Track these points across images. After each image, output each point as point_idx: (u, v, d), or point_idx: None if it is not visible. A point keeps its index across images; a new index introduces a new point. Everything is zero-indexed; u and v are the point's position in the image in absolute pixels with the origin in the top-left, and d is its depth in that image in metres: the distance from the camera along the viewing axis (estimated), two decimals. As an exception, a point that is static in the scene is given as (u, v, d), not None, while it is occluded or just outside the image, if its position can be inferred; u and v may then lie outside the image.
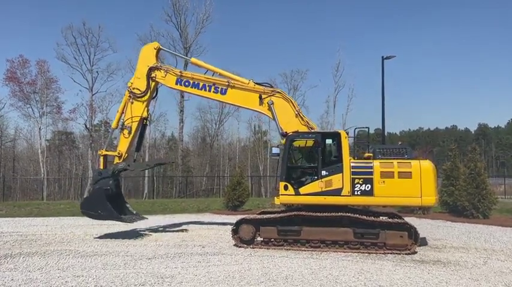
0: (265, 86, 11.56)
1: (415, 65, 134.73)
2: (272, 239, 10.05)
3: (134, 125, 12.10)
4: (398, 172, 9.52)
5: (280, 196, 10.01)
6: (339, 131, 10.37)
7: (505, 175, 44.98)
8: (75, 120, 40.72)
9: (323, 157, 10.13)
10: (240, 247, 10.02)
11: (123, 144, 12.12)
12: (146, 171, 37.23)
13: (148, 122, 13.04)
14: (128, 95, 12.20)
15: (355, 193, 9.65)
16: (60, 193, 41.87)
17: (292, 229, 9.85)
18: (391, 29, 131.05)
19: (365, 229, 9.53)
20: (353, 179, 9.67)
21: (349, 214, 9.59)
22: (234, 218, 11.69)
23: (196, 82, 12.01)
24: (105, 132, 36.81)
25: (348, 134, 10.33)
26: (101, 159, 12.15)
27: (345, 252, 9.47)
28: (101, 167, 12.05)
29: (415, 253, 9.39)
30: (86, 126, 37.91)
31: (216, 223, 15.60)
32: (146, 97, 12.22)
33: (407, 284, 6.81)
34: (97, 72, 36.38)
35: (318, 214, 9.65)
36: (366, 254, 9.28)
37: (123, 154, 12.01)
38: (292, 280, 6.99)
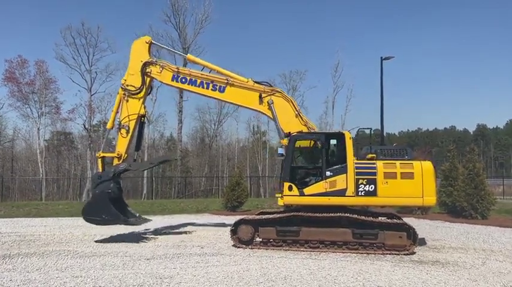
0: (264, 84, 11.42)
1: (414, 66, 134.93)
2: (271, 240, 10.03)
3: (132, 124, 11.63)
4: (401, 173, 9.57)
5: (285, 196, 9.91)
6: (343, 131, 10.34)
7: (503, 176, 45.11)
8: (73, 121, 40.76)
9: (326, 157, 10.11)
10: (238, 247, 10.01)
11: (122, 144, 11.63)
12: (145, 171, 37.28)
13: (146, 120, 12.53)
14: (122, 92, 11.69)
15: (359, 194, 9.64)
16: (59, 194, 41.81)
17: (291, 230, 9.84)
18: (391, 29, 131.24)
19: (364, 230, 9.53)
20: (357, 180, 9.67)
21: (348, 215, 9.59)
22: (232, 219, 11.68)
23: (193, 79, 11.68)
24: (104, 132, 36.87)
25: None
26: (99, 161, 11.65)
27: (343, 252, 9.47)
28: (100, 169, 11.57)
29: (414, 253, 9.40)
30: (84, 126, 37.93)
31: (214, 223, 15.59)
32: (142, 94, 11.74)
33: (406, 284, 6.81)
34: (96, 72, 36.41)
35: (317, 215, 9.65)
36: (365, 255, 9.29)
37: (123, 155, 11.52)
38: (291, 280, 6.99)
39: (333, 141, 10.56)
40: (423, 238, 11.35)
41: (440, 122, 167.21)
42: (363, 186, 9.63)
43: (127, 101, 11.66)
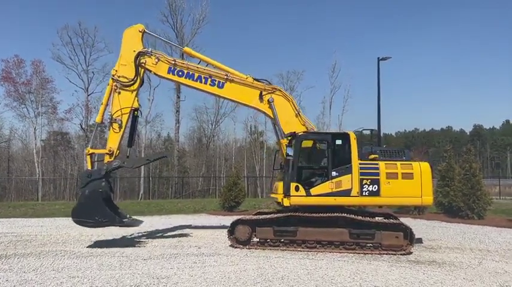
0: (263, 82, 11.21)
1: (411, 66, 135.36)
2: (268, 240, 10.03)
3: (124, 118, 10.77)
4: (402, 173, 9.78)
5: (292, 197, 9.82)
6: (348, 132, 10.35)
7: (499, 176, 45.22)
8: (70, 121, 40.76)
9: (332, 157, 10.11)
10: (236, 247, 10.01)
11: (114, 140, 10.73)
12: (142, 171, 37.23)
13: (140, 113, 11.51)
14: (114, 84, 10.80)
15: (363, 194, 9.74)
16: (56, 194, 41.64)
17: (288, 230, 9.85)
18: (389, 29, 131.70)
19: (361, 230, 9.55)
20: (361, 180, 9.76)
21: (345, 215, 9.61)
22: (230, 219, 11.65)
23: (191, 73, 11.08)
24: (100, 132, 36.95)
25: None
26: (88, 158, 10.75)
27: (340, 252, 9.49)
28: (89, 167, 10.64)
29: (411, 253, 9.43)
30: (81, 126, 37.95)
31: (212, 223, 15.59)
32: (136, 86, 10.94)
33: (403, 284, 6.83)
34: (93, 72, 36.46)
35: (314, 215, 9.66)
36: (362, 255, 9.31)
37: (115, 151, 10.65)
38: (288, 280, 7.00)
39: (338, 142, 10.56)
40: (420, 238, 11.37)
41: (437, 123, 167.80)
42: (366, 186, 9.74)
43: (119, 93, 10.82)
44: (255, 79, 11.18)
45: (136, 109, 11.13)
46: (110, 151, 10.65)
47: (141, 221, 11.29)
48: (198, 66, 11.43)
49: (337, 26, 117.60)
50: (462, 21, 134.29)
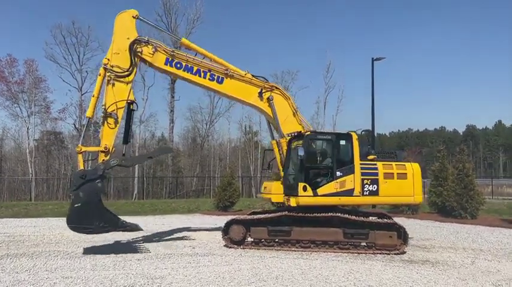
0: (261, 79, 11.04)
1: (404, 66, 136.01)
2: (262, 240, 10.04)
3: (120, 112, 9.87)
4: (397, 173, 10.10)
5: (299, 197, 9.71)
6: (351, 132, 10.39)
7: (492, 176, 45.68)
8: (64, 120, 40.41)
9: (337, 157, 10.14)
10: (230, 247, 10.00)
11: (109, 136, 9.75)
12: (136, 171, 37.08)
13: (136, 106, 10.52)
14: (107, 74, 9.84)
15: (364, 193, 9.90)
16: (49, 194, 41.29)
17: (283, 230, 9.86)
18: (383, 29, 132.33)
19: (355, 229, 9.61)
20: (362, 180, 9.91)
21: (339, 214, 9.64)
22: (224, 219, 11.64)
23: (189, 65, 10.50)
24: (94, 132, 36.75)
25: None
26: (80, 157, 9.61)
27: (334, 252, 9.52)
28: (81, 166, 9.57)
29: (404, 253, 9.50)
30: (75, 126, 37.70)
31: (206, 223, 15.56)
32: (132, 77, 10.10)
33: (396, 284, 6.86)
34: (86, 71, 36.28)
35: (308, 215, 9.68)
36: (356, 254, 9.34)
37: (110, 148, 9.68)
38: (283, 280, 7.00)
39: (342, 142, 10.55)
40: (413, 238, 11.44)
41: (431, 123, 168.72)
42: (367, 186, 9.92)
43: (113, 85, 9.88)
44: (253, 76, 10.97)
45: (132, 102, 10.21)
46: (105, 148, 9.65)
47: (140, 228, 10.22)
48: (199, 59, 10.83)
49: (330, 26, 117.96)
50: (454, 21, 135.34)
